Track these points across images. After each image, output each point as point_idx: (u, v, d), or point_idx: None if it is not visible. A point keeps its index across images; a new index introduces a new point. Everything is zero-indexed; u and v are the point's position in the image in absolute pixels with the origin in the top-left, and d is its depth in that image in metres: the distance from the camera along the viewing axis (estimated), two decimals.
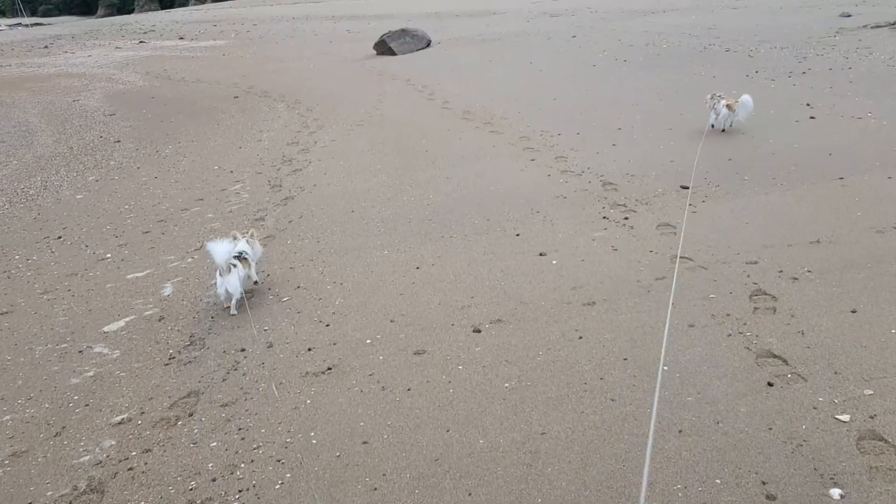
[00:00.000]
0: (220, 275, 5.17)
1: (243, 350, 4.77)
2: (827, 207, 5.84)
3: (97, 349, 5.11)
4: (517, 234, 6.22)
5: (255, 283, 5.70)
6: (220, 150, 11.55)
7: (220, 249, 5.09)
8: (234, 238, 5.56)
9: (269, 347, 4.76)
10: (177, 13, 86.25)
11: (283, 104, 15.63)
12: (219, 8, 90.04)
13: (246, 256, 5.45)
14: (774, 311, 4.26)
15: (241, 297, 5.34)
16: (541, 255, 5.68)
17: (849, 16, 17.20)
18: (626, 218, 6.24)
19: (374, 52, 23.52)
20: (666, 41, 17.58)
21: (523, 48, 20.22)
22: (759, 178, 6.83)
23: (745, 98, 8.86)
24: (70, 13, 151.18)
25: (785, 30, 16.60)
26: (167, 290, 6.03)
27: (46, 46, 44.68)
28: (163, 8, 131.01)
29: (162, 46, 36.70)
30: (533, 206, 6.92)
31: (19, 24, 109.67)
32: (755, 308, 4.33)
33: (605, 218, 6.33)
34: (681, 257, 5.10)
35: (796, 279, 4.59)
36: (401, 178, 8.55)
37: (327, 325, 4.93)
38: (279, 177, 9.32)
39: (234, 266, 5.22)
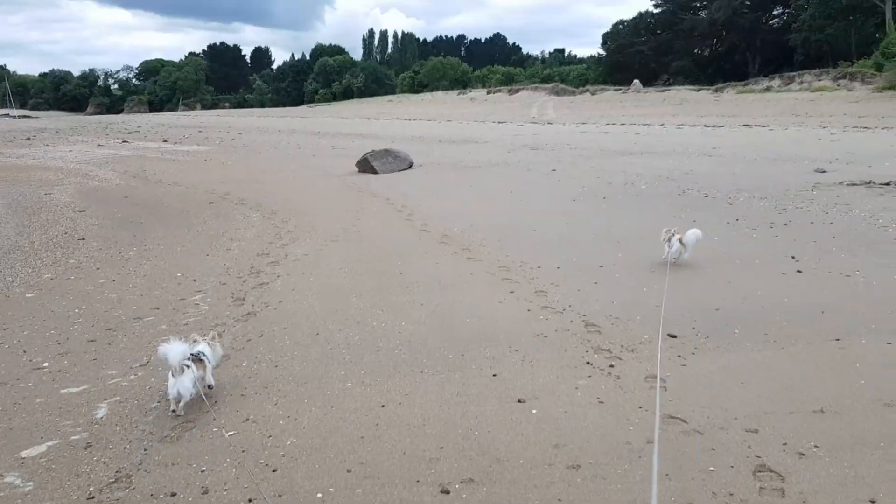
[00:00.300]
0: (173, 375, 4.96)
1: (173, 495, 4.12)
2: (827, 372, 5.46)
3: (8, 479, 4.43)
4: (494, 375, 5.73)
5: (210, 387, 5.44)
6: (186, 257, 11.09)
7: (176, 349, 4.98)
8: (194, 340, 5.45)
9: (203, 494, 4.12)
10: (164, 117, 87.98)
11: (258, 213, 15.35)
12: (206, 115, 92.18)
13: (203, 358, 5.30)
14: (783, 493, 3.76)
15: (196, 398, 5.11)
16: (519, 401, 5.18)
17: (824, 171, 17.65)
18: (612, 366, 5.79)
19: (356, 169, 23.65)
20: (644, 182, 17.82)
21: (504, 177, 20.41)
22: (751, 332, 6.48)
23: (693, 232, 9.24)
24: (60, 108, 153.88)
25: (762, 180, 16.92)
26: (101, 411, 5.38)
27: (29, 138, 44.82)
28: (152, 111, 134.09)
29: (144, 147, 36.90)
30: (511, 342, 6.47)
31: (7, 115, 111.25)
32: (761, 488, 3.83)
33: (588, 363, 5.88)
34: (674, 418, 4.63)
35: (803, 455, 4.12)
36: (372, 301, 8.10)
37: (274, 471, 4.32)
38: (244, 290, 8.83)
39: (188, 367, 5.03)
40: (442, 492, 3.96)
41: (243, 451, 4.59)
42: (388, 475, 4.18)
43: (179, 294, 8.77)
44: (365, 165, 23.36)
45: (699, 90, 63.49)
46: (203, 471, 4.38)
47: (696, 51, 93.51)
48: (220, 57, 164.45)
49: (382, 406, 5.21)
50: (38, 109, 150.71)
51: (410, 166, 23.90)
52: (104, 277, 9.82)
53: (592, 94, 72.26)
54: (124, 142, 41.63)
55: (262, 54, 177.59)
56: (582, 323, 6.98)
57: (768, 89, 57.62)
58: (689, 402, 4.97)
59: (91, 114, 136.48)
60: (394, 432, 4.75)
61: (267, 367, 6.14)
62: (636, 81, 73.06)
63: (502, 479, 4.06)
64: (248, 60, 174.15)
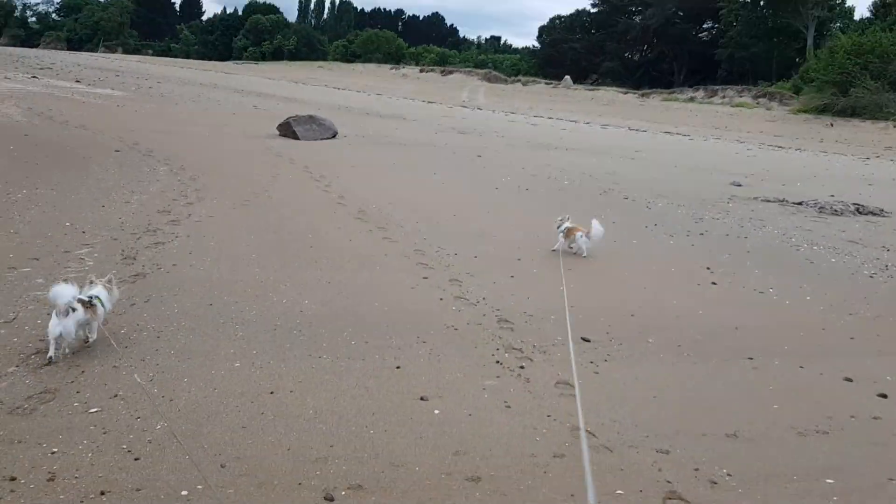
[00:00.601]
0: (57, 315, 4.75)
1: (13, 480, 3.55)
2: (740, 393, 5.31)
3: None
4: (398, 367, 5.33)
5: (87, 340, 5.21)
6: (79, 206, 10.20)
7: (66, 292, 4.83)
8: (91, 282, 5.34)
9: (49, 480, 3.57)
10: (81, 56, 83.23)
11: (166, 167, 14.42)
12: (125, 59, 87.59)
13: (95, 303, 5.10)
14: None
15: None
16: (422, 399, 4.80)
17: (739, 185, 18.01)
18: (522, 367, 5.48)
19: (278, 132, 22.70)
20: (567, 178, 17.77)
21: (429, 158, 20.00)
22: (665, 342, 6.31)
23: (596, 225, 9.61)
24: None
25: (681, 188, 17.13)
26: None
27: None
28: (70, 49, 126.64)
29: (55, 86, 34.56)
30: (420, 333, 6.08)
31: None
32: None
33: (498, 363, 5.56)
34: (582, 430, 4.35)
35: (715, 483, 3.89)
36: (276, 274, 7.56)
37: (136, 459, 3.80)
38: (136, 248, 8.11)
39: (74, 310, 4.82)
40: (326, 498, 3.54)
41: (104, 433, 4.04)
42: (268, 474, 3.73)
43: (64, 245, 7.98)
44: (287, 130, 22.45)
45: (626, 93, 64.66)
46: (53, 452, 3.81)
47: (626, 54, 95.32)
48: (148, 2, 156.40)
49: (272, 393, 4.73)
50: None
51: (334, 136, 23.14)
52: None
53: (524, 84, 72.55)
54: (33, 77, 38.88)
55: (192, 3, 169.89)
56: (495, 318, 6.66)
57: (692, 100, 59.21)
58: (601, 413, 4.71)
59: (4, 45, 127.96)
60: (280, 424, 4.29)
61: (148, 336, 5.55)
62: (567, 77, 73.79)
63: (394, 487, 3.67)
64: (178, 9, 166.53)
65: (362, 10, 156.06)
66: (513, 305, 7.09)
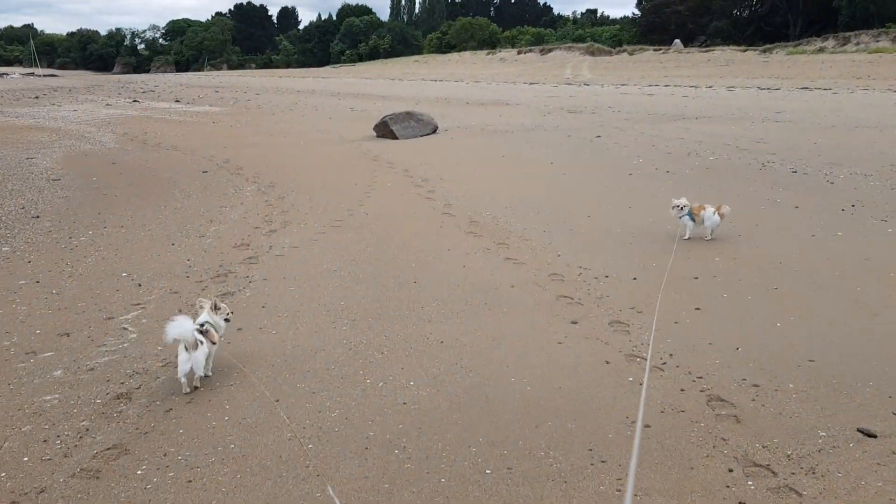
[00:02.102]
0: (186, 350, 4.44)
1: None
2: None
3: None
4: None
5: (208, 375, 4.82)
6: (146, 246, 8.67)
7: (184, 324, 4.47)
8: (201, 307, 5.00)
9: None
10: (185, 76, 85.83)
11: (253, 186, 12.92)
12: (228, 75, 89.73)
13: (208, 328, 4.77)
14: None
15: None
16: None
17: None
18: (779, 494, 3.24)
19: (374, 133, 21.07)
20: (711, 152, 15.03)
21: (541, 145, 17.70)
22: None
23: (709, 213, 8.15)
24: (87, 68, 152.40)
25: (854, 152, 14.08)
26: None
27: (37, 97, 42.83)
28: (178, 71, 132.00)
29: (154, 108, 34.60)
30: (595, 435, 3.92)
31: (32, 74, 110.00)
32: None
33: (728, 487, 3.34)
34: None
35: None
36: (369, 333, 5.59)
37: None
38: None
39: (201, 342, 4.55)
40: None
41: None
42: None
43: (109, 309, 6.34)
44: (384, 129, 20.75)
45: (745, 51, 59.53)
46: None
47: (734, 12, 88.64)
48: (247, 17, 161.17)
49: None
50: (65, 69, 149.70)
51: (434, 131, 21.25)
52: (29, 275, 7.45)
53: (630, 54, 68.46)
54: (135, 101, 39.37)
55: (288, 14, 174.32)
56: (704, 397, 4.35)
57: (821, 50, 53.60)
58: None
59: (119, 73, 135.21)
60: None
61: (182, 471, 3.68)
62: (677, 41, 69.17)
63: None
64: (275, 21, 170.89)
65: (453, 0, 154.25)
66: (723, 372, 4.74)
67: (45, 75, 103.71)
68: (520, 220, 9.36)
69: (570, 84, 48.97)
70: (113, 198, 12.24)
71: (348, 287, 6.77)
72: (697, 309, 5.88)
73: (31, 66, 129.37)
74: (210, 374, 4.80)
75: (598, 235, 8.55)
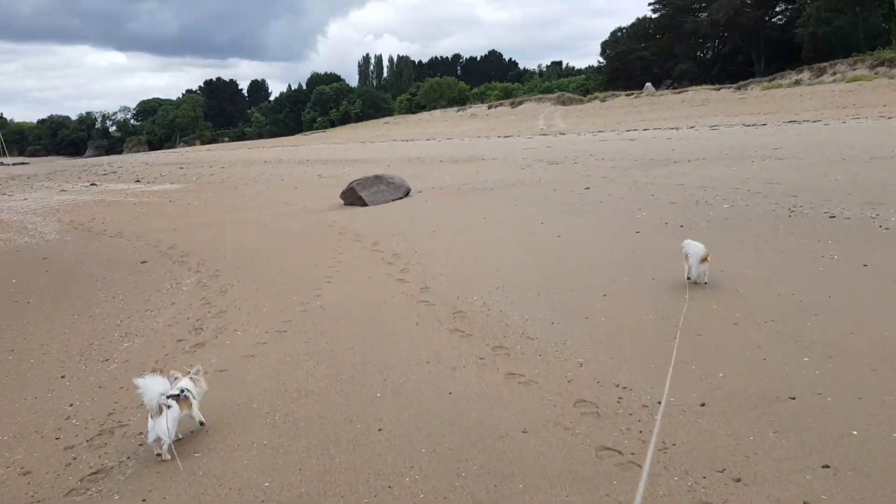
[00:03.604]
0: (151, 417, 4.46)
1: None
2: None
3: None
4: None
5: (201, 423, 4.95)
6: (25, 381, 6.55)
7: (152, 387, 4.52)
8: (175, 378, 4.87)
9: None
10: (153, 155, 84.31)
11: (194, 277, 10.88)
12: (197, 150, 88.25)
13: (187, 395, 4.77)
14: None
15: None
16: None
17: None
18: None
19: (342, 201, 19.17)
20: (722, 199, 13.22)
21: (525, 202, 15.84)
22: None
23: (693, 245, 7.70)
24: (59, 153, 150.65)
25: (890, 187, 12.29)
26: None
27: None
28: (151, 150, 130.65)
29: (110, 190, 32.60)
30: None
31: (1, 163, 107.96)
32: None
33: None
34: None
35: None
36: None
37: None
38: (60, 487, 4.26)
39: (169, 407, 4.51)
40: None
41: None
42: None
43: None
44: (352, 196, 18.87)
45: (719, 89, 58.92)
46: None
47: (698, 53, 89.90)
48: (218, 92, 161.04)
49: None
50: (37, 156, 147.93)
51: (407, 194, 19.39)
52: None
53: (602, 101, 67.81)
54: (92, 185, 37.32)
55: (258, 87, 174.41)
56: None
57: (797, 83, 52.95)
58: None
59: (91, 156, 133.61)
60: None
61: None
62: (648, 84, 68.82)
63: None
64: (246, 94, 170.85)
65: (420, 61, 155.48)
66: None
67: (14, 164, 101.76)
68: (518, 308, 7.34)
69: (545, 135, 47.67)
70: (24, 306, 10.15)
71: (280, 449, 4.63)
72: (826, 467, 3.80)
73: (2, 156, 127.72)
74: (203, 422, 4.94)
75: (628, 326, 6.52)
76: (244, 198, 23.89)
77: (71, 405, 5.77)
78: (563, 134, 46.10)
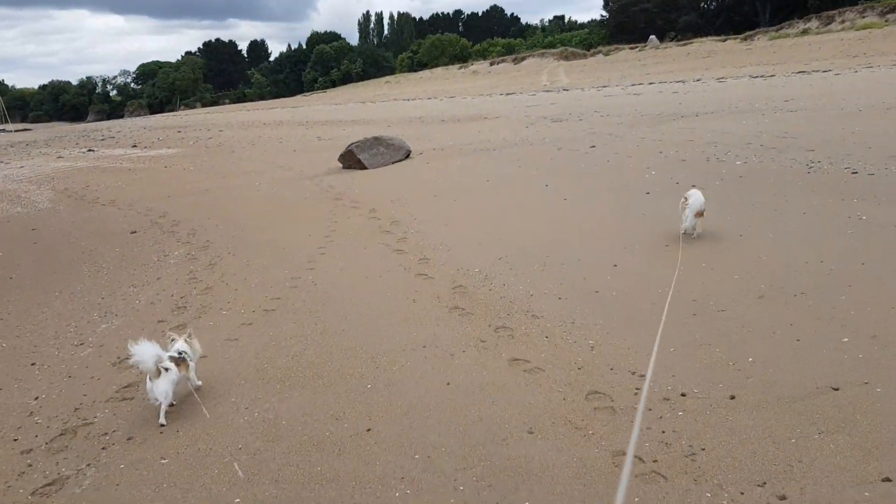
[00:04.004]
0: (150, 379, 4.48)
1: None
2: None
3: None
4: None
5: (197, 385, 4.96)
6: None
7: (147, 350, 4.47)
8: (172, 339, 4.93)
9: None
10: (151, 119, 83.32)
11: (183, 249, 10.38)
12: (196, 113, 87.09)
13: (185, 357, 4.78)
14: None
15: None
16: None
17: None
18: None
19: (340, 165, 18.53)
20: (734, 155, 12.55)
21: (529, 163, 15.18)
22: None
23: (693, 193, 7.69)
24: (60, 119, 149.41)
25: None
26: None
27: None
28: (152, 113, 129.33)
29: (107, 156, 31.91)
30: None
31: (3, 130, 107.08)
32: None
33: None
34: None
35: None
36: None
37: None
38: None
39: (167, 369, 4.51)
40: None
41: None
42: None
43: None
44: (350, 159, 18.22)
45: (725, 40, 57.45)
46: None
47: (702, 4, 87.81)
48: (217, 54, 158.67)
49: None
50: (39, 121, 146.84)
51: (407, 156, 18.73)
52: None
53: (606, 54, 66.34)
54: (90, 150, 36.64)
55: (258, 48, 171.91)
56: None
57: (805, 32, 51.52)
58: None
59: (92, 121, 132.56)
60: None
61: None
62: (652, 37, 67.17)
63: None
64: (245, 55, 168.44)
65: (421, 18, 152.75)
66: None
67: (16, 130, 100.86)
68: (522, 281, 6.79)
69: (548, 91, 46.62)
70: (6, 282, 9.67)
71: (257, 455, 4.12)
72: (887, 480, 3.27)
73: (4, 122, 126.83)
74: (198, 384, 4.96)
75: (642, 302, 5.96)
76: (240, 162, 23.25)
77: (36, 399, 5.28)
78: (567, 90, 45.05)
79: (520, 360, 4.93)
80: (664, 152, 14.13)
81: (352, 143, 18.78)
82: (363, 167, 17.75)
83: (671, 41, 72.07)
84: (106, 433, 4.54)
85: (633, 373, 4.52)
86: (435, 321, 5.92)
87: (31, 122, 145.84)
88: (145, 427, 4.57)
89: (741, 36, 57.32)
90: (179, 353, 4.76)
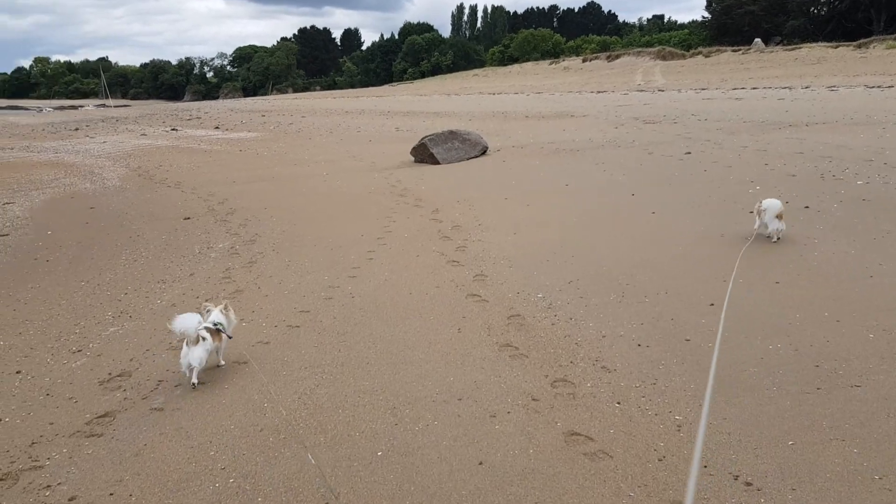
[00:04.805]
0: (187, 345, 4.67)
1: None
2: None
3: None
4: None
5: (220, 364, 5.06)
6: None
7: (191, 319, 4.71)
8: (208, 311, 5.04)
9: None
10: (241, 102, 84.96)
11: (228, 241, 9.65)
12: (285, 98, 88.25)
13: (220, 328, 4.91)
14: None
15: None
16: None
17: None
18: None
19: (412, 158, 17.58)
20: (854, 174, 10.89)
21: (615, 167, 13.82)
22: None
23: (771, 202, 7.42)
24: (158, 97, 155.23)
25: None
26: None
27: (77, 129, 41.13)
28: (245, 96, 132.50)
29: (188, 136, 32.06)
30: None
31: (104, 105, 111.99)
32: None
33: None
34: None
35: None
36: None
37: None
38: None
39: (204, 339, 4.70)
40: None
41: None
42: None
43: None
44: (422, 153, 17.25)
45: (837, 47, 53.64)
46: None
47: (812, 10, 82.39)
48: (311, 41, 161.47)
49: None
50: (138, 99, 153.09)
51: (484, 152, 17.62)
52: None
53: (706, 56, 63.21)
54: (173, 129, 37.10)
55: (351, 36, 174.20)
56: None
57: None
58: None
59: (188, 101, 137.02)
60: None
61: None
62: (757, 40, 63.62)
63: None
64: (339, 43, 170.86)
65: (515, 12, 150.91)
66: None
67: (116, 105, 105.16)
68: (593, 315, 5.56)
69: (642, 91, 44.51)
70: (41, 265, 9.13)
71: None
72: None
73: (104, 98, 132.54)
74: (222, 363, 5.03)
75: (747, 358, 4.65)
76: (314, 150, 22.64)
77: (10, 410, 4.45)
78: (663, 91, 42.86)
79: (580, 435, 3.74)
80: (770, 164, 12.53)
81: (426, 136, 17.80)
82: (435, 162, 16.76)
83: (777, 45, 68.17)
84: (49, 486, 3.61)
85: (737, 478, 3.27)
86: (479, 363, 4.78)
87: (131, 98, 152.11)
88: (93, 488, 3.62)
89: (855, 43, 53.40)
90: (215, 325, 4.88)
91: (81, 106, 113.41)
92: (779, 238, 7.44)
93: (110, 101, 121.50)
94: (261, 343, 5.55)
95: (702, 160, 13.71)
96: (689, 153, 14.81)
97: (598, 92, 46.81)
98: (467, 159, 17.01)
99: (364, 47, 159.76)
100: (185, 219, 11.71)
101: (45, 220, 12.47)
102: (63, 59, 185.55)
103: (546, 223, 9.27)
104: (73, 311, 6.89)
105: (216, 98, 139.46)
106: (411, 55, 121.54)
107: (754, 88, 36.60)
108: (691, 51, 68.82)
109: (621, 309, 5.68)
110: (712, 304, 5.62)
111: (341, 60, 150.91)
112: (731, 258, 6.93)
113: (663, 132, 19.41)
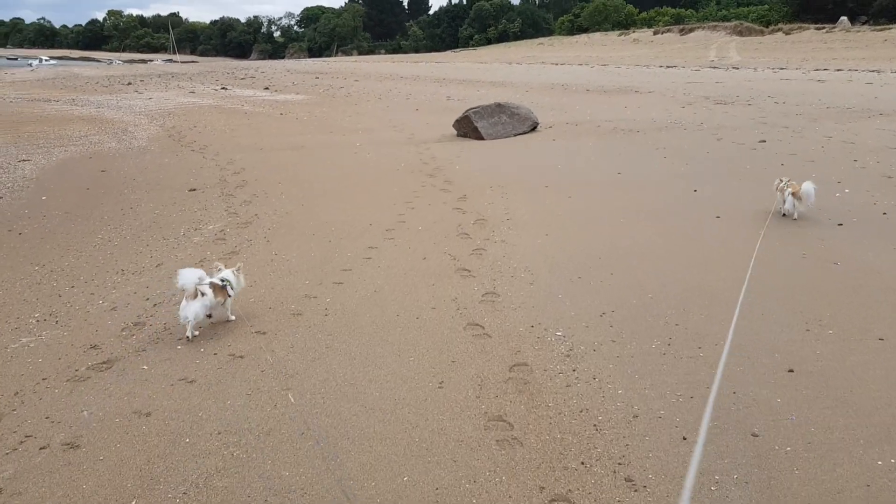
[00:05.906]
0: (186, 299, 4.75)
1: None
2: None
3: None
4: None
5: (230, 318, 5.16)
6: None
7: (189, 274, 4.79)
8: (219, 269, 5.15)
9: None
10: (300, 63, 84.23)
11: (220, 223, 8.56)
12: (345, 61, 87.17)
13: (225, 285, 5.01)
14: None
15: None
16: None
17: None
18: None
19: (454, 132, 16.12)
20: None
21: (677, 153, 12.13)
22: None
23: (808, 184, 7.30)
24: (226, 54, 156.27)
25: None
26: None
27: (130, 83, 40.80)
28: (311, 57, 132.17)
29: (235, 96, 31.17)
30: None
31: (172, 60, 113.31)
32: None
33: None
34: None
35: None
36: None
37: None
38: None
39: (203, 294, 4.78)
40: None
41: None
42: None
43: None
44: (465, 126, 15.78)
45: None
46: None
47: None
48: (378, 4, 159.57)
49: None
50: (206, 55, 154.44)
51: (533, 129, 16.04)
52: None
53: (786, 33, 59.34)
54: (223, 88, 36.32)
55: (419, 0, 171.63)
56: None
57: None
58: None
59: (254, 59, 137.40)
60: None
61: None
62: (843, 19, 59.38)
63: None
64: (406, 6, 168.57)
65: None
66: None
67: (184, 62, 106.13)
68: (626, 373, 4.11)
69: (714, 68, 41.76)
70: (14, 237, 8.27)
71: None
72: None
73: (172, 53, 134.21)
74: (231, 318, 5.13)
75: (848, 471, 3.16)
76: (357, 117, 21.33)
77: None
78: (737, 68, 40.09)
79: None
80: (860, 161, 10.68)
81: (470, 109, 16.28)
82: (479, 137, 15.27)
83: (863, 23, 63.65)
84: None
85: None
86: (454, 448, 3.39)
87: (199, 55, 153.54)
88: None
89: None
90: (222, 281, 4.97)
91: (150, 60, 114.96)
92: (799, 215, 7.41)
93: (178, 57, 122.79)
94: (234, 358, 4.29)
95: (778, 151, 11.90)
96: (764, 142, 12.97)
97: (668, 67, 44.19)
98: (514, 135, 15.46)
99: (431, 11, 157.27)
100: (191, 190, 10.64)
101: (49, 182, 11.60)
102: (136, 12, 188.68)
103: (586, 224, 7.75)
104: (23, 301, 5.82)
105: (282, 58, 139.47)
106: (478, 21, 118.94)
107: (838, 70, 33.72)
108: (770, 27, 64.76)
109: (665, 366, 4.19)
110: (791, 371, 4.08)
111: (408, 24, 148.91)
112: (814, 293, 5.33)
113: (735, 115, 17.44)
